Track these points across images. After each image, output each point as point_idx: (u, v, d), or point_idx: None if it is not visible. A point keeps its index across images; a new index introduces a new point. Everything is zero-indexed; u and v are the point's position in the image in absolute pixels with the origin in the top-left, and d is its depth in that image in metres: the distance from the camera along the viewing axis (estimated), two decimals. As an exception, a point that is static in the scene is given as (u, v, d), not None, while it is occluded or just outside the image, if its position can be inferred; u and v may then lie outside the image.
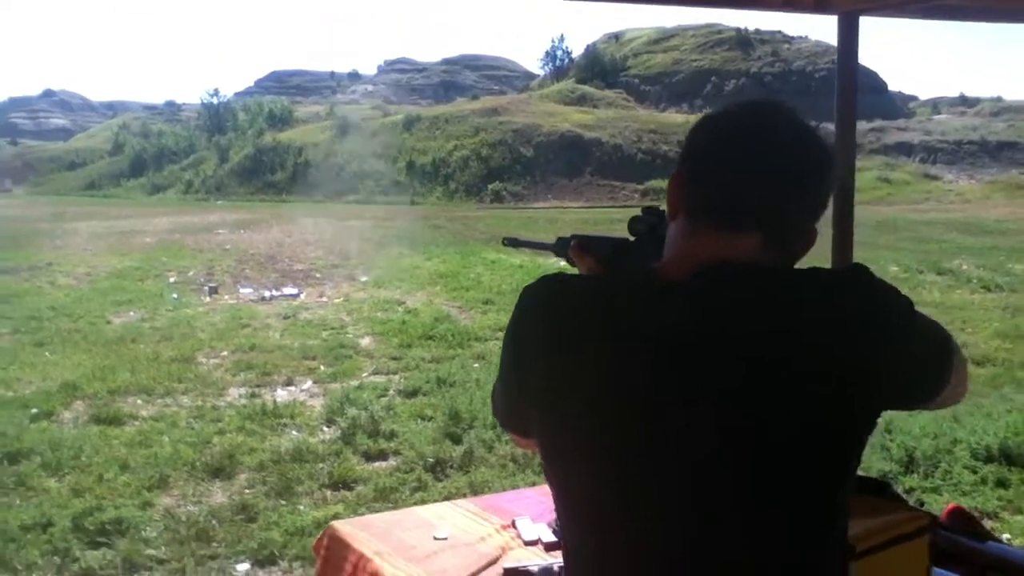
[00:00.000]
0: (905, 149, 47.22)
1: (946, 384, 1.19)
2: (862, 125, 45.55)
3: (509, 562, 1.93)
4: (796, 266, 1.22)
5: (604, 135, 44.88)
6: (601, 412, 1.13)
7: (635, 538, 1.15)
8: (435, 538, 2.10)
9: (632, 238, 1.67)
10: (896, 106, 60.92)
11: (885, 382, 1.11)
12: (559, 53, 71.19)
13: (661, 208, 1.69)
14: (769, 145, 1.17)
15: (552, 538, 2.00)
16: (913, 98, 79.52)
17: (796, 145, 1.17)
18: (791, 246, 1.19)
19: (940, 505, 4.01)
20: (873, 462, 4.70)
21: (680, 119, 48.98)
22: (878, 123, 49.59)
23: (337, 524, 2.23)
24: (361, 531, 2.15)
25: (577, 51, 70.66)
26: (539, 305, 1.21)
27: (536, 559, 1.94)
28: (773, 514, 1.10)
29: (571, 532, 1.24)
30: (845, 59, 3.27)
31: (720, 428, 1.07)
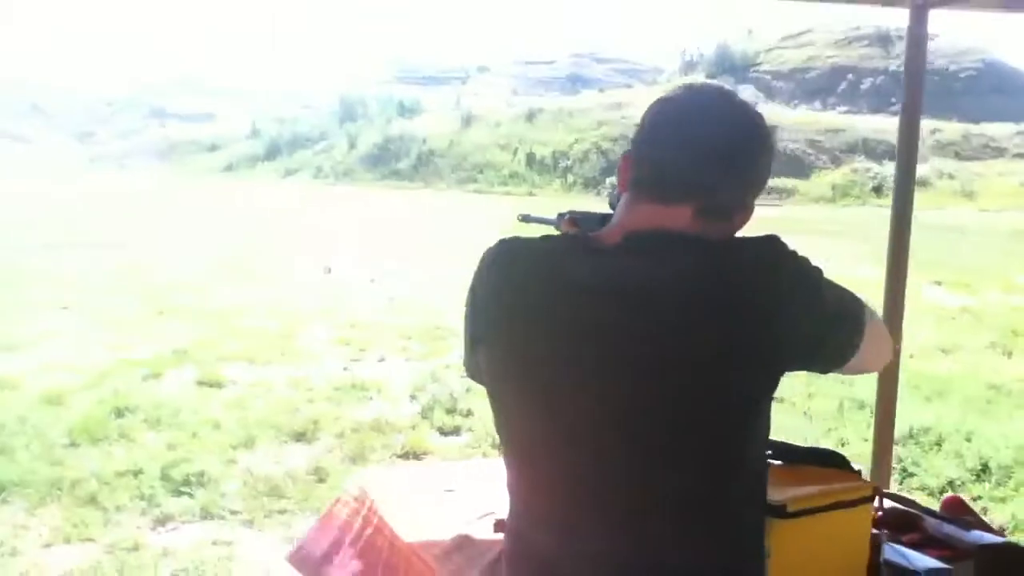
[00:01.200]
0: (1057, 154, 44.25)
1: (854, 350, 1.26)
2: (1007, 128, 42.97)
3: (502, 513, 2.04)
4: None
5: (729, 132, 43.88)
6: (530, 355, 1.26)
7: (557, 471, 1.27)
8: (445, 490, 2.25)
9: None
10: (1049, 108, 57.17)
11: (785, 344, 1.19)
12: (688, 47, 70.06)
13: None
14: (699, 125, 1.28)
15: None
16: (1070, 99, 74.34)
17: (725, 125, 1.27)
18: (725, 219, 1.29)
19: (1004, 514, 3.90)
20: (942, 468, 4.58)
21: (811, 117, 47.29)
22: (1026, 126, 46.64)
23: (361, 471, 2.41)
24: (377, 480, 2.32)
25: (708, 47, 69.05)
26: (489, 264, 1.35)
27: None
28: (672, 466, 1.19)
29: (509, 469, 1.36)
30: (913, 53, 3.20)
31: (635, 372, 1.18)
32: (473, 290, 1.37)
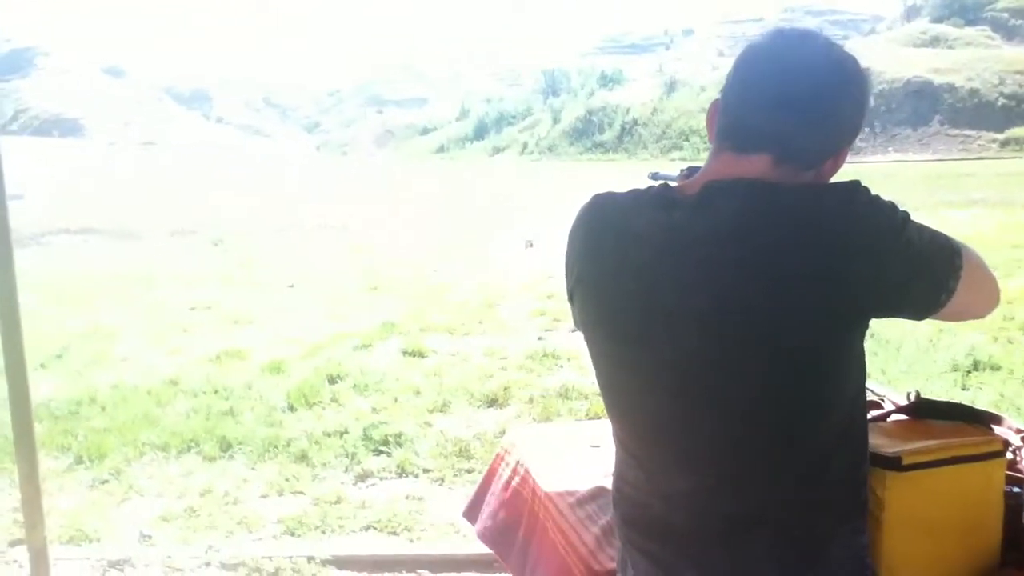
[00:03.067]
0: None
1: (949, 295, 1.21)
2: None
3: None
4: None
5: (959, 79, 40.43)
6: (608, 306, 1.32)
7: (641, 417, 1.33)
8: (591, 446, 2.34)
9: None
10: None
11: (864, 291, 1.17)
12: (911, -9, 65.00)
13: None
14: (776, 71, 1.25)
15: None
16: None
17: (804, 70, 1.24)
18: (809, 167, 1.26)
19: None
20: None
21: (1057, 57, 42.54)
22: None
23: (515, 427, 2.55)
24: (528, 435, 2.44)
25: (933, -13, 63.77)
26: (578, 219, 1.40)
27: None
28: (750, 412, 1.22)
29: (608, 416, 1.43)
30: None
31: (701, 320, 1.20)
32: (568, 245, 1.44)
